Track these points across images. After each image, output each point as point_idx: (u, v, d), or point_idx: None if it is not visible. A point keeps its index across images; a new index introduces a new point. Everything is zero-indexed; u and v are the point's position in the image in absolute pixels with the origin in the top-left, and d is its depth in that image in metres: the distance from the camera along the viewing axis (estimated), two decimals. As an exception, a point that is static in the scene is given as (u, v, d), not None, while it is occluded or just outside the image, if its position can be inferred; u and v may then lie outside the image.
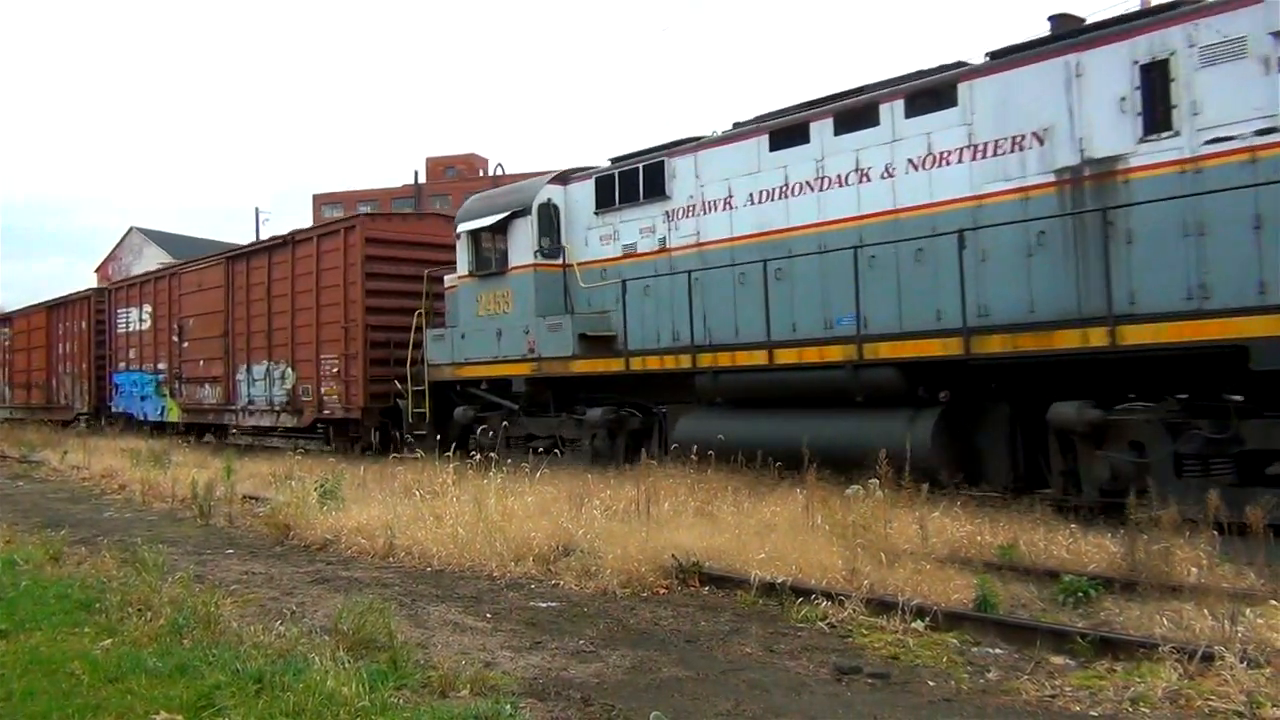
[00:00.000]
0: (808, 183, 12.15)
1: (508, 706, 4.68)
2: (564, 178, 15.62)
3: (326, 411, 19.47)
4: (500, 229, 15.73)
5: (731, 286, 12.87)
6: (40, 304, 35.94)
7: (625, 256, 14.41)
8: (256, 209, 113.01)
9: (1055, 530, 8.22)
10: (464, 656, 5.70)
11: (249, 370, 22.08)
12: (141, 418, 27.41)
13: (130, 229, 74.01)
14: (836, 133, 11.88)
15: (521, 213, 15.42)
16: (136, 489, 14.86)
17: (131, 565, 7.93)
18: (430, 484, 11.28)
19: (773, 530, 8.22)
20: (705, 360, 12.74)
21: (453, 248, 17.35)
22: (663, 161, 14.00)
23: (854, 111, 11.80)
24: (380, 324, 18.52)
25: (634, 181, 14.36)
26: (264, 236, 31.13)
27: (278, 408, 21.12)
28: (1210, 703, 4.62)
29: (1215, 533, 6.84)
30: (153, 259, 63.81)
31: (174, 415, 25.72)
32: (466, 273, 16.52)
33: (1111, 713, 4.66)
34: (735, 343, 12.60)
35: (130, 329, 28.21)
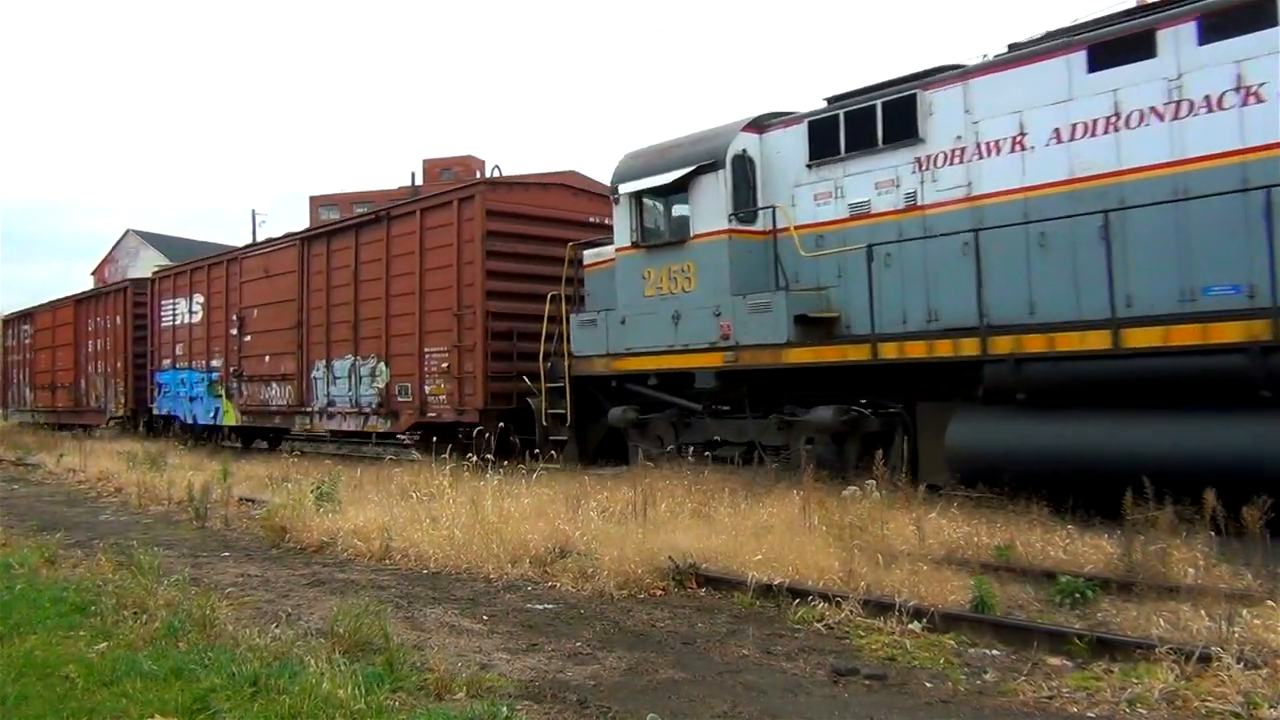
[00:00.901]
0: (1154, 110, 9.41)
1: (504, 709, 4.67)
2: (759, 125, 12.84)
3: (431, 415, 16.76)
4: (678, 188, 12.96)
5: (1024, 250, 10.16)
6: (66, 298, 33.03)
7: (853, 219, 11.72)
8: (253, 211, 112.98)
9: (1052, 531, 8.22)
10: (460, 659, 5.69)
11: (329, 366, 19.40)
12: (189, 421, 24.77)
13: (127, 231, 73.97)
14: (1205, 40, 9.10)
15: (709, 167, 12.61)
16: (133, 492, 14.82)
17: (127, 568, 7.90)
18: (427, 486, 11.27)
19: (770, 531, 8.21)
20: (1001, 345, 9.89)
21: (583, 224, 15.95)
22: (914, 95, 11.24)
23: (1235, 8, 8.91)
24: (503, 311, 15.98)
25: (866, 123, 11.63)
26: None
27: (366, 409, 18.43)
28: (1207, 703, 4.62)
29: (1212, 533, 6.84)
30: (149, 262, 63.78)
31: (230, 418, 22.93)
32: (629, 244, 13.67)
33: (1109, 713, 4.65)
34: (1053, 321, 9.78)
35: (177, 322, 25.39)
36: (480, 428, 15.68)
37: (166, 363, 25.98)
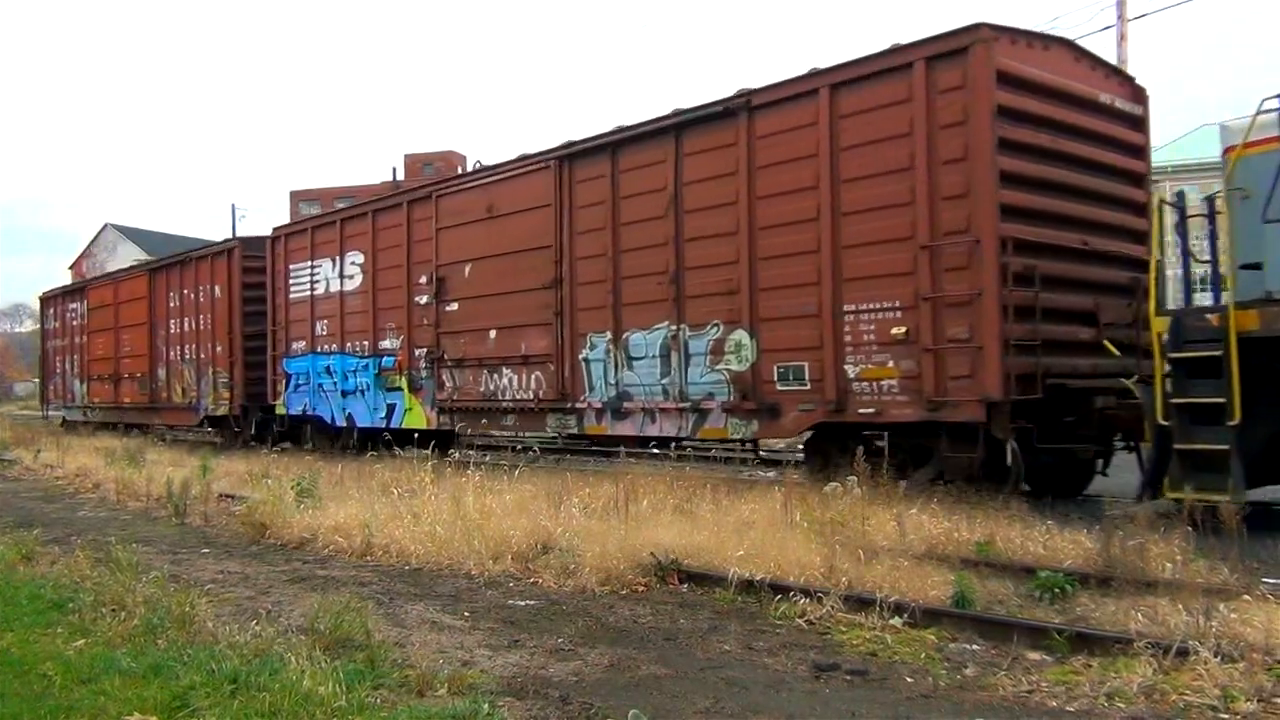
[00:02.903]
0: None
1: (486, 705, 4.66)
2: None
3: (864, 410, 10.75)
4: None
5: None
6: (138, 265, 27.93)
7: None
8: (233, 205, 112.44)
9: (1031, 526, 8.28)
10: (442, 655, 5.68)
11: (618, 342, 13.36)
12: (341, 423, 18.86)
13: (105, 225, 73.48)
14: None
15: None
16: (111, 488, 14.72)
17: (105, 565, 7.84)
18: (408, 482, 11.23)
19: (751, 528, 8.23)
20: None
21: (1094, 105, 11.23)
22: None
23: None
24: (1027, 238, 10.14)
25: None
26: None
27: (702, 404, 12.38)
28: (1185, 697, 4.65)
29: (1189, 529, 6.90)
30: (127, 256, 63.44)
31: (415, 419, 16.96)
32: None
33: (1087, 708, 4.68)
34: None
35: (318, 291, 19.26)
36: (986, 431, 9.93)
37: (299, 346, 19.84)
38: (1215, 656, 4.87)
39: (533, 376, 14.71)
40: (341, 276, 18.69)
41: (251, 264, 21.67)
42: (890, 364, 10.57)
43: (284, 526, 10.21)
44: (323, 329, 19.36)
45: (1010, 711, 4.70)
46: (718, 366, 12.20)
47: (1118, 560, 6.88)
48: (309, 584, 7.97)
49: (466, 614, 6.84)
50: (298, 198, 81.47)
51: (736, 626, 6.32)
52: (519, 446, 15.53)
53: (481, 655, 5.78)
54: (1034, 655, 5.44)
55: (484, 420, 15.92)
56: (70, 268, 79.13)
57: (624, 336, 13.34)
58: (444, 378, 16.29)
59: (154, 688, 4.99)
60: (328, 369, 19.12)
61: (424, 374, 16.76)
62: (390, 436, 17.88)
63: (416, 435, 16.91)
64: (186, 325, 23.65)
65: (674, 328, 12.68)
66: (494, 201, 15.35)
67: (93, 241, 75.39)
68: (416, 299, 16.85)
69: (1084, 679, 4.99)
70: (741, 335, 11.91)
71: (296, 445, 20.55)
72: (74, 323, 29.97)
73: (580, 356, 13.98)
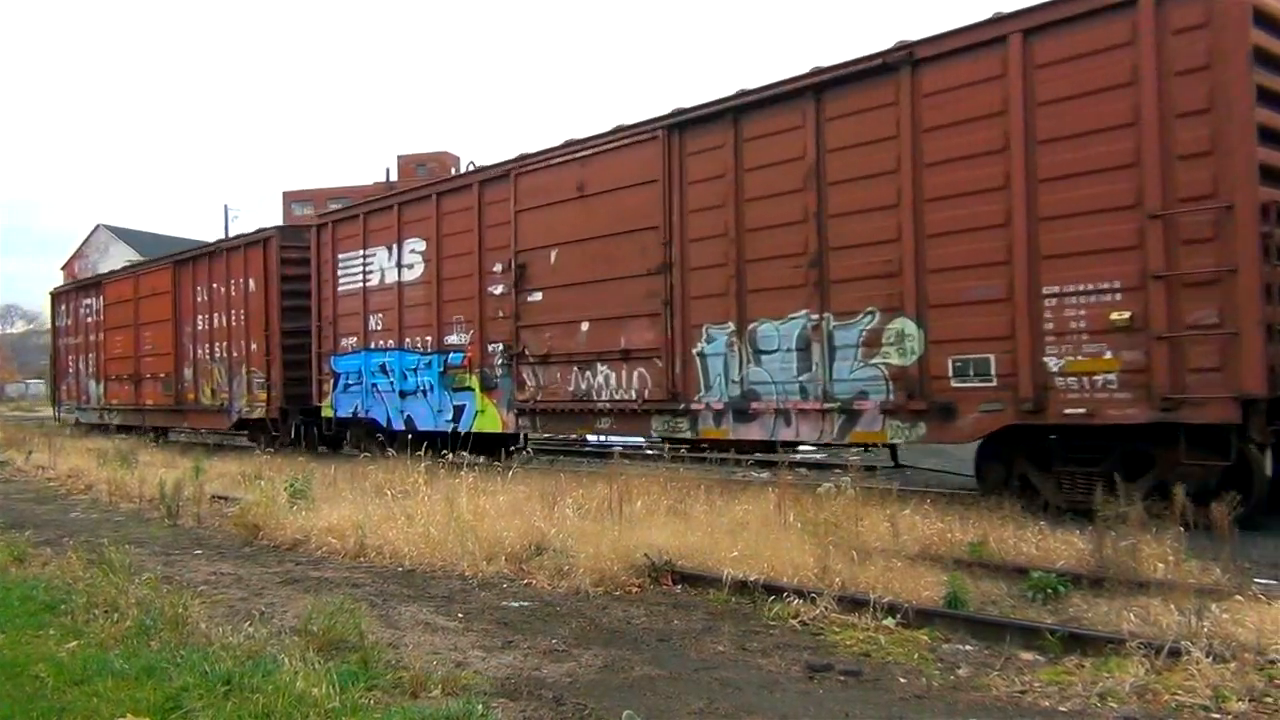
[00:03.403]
0: None
1: (479, 706, 4.66)
2: None
3: (1073, 411, 9.22)
4: None
5: None
6: (161, 259, 25.69)
7: None
8: (225, 206, 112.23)
9: (1024, 527, 8.30)
10: (435, 656, 5.67)
11: (742, 334, 11.79)
12: (399, 426, 16.96)
13: (97, 226, 73.27)
14: None
15: None
16: (103, 489, 14.68)
17: (98, 566, 7.82)
18: (402, 484, 11.22)
19: (745, 528, 8.24)
20: None
21: None
22: None
23: None
24: None
25: None
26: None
27: (852, 404, 10.77)
28: (1177, 697, 4.67)
29: (1181, 529, 6.92)
30: (119, 257, 63.28)
31: (490, 422, 15.21)
32: None
33: (1080, 708, 4.70)
34: None
35: (371, 283, 17.59)
36: (1236, 435, 8.56)
37: (349, 342, 18.16)
38: (1207, 656, 4.88)
39: (635, 374, 13.08)
40: (400, 266, 16.89)
41: (290, 254, 19.90)
42: (1108, 355, 9.05)
43: (277, 528, 10.19)
44: (377, 323, 17.54)
45: (1003, 712, 4.71)
46: (873, 360, 10.60)
47: (1110, 561, 6.90)
48: (302, 585, 7.96)
49: (460, 615, 6.84)
50: (290, 198, 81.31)
51: (730, 627, 6.33)
52: (610, 452, 14.15)
53: (475, 656, 5.78)
54: (1027, 655, 5.45)
55: (573, 423, 14.13)
56: (63, 268, 78.91)
57: (750, 328, 11.74)
58: (524, 376, 14.55)
59: (147, 689, 4.98)
60: (383, 367, 17.33)
61: (499, 372, 15.10)
62: (421, 440, 15.17)
63: (473, 440, 15.30)
64: (216, 321, 21.90)
65: (815, 317, 11.05)
66: (586, 179, 13.74)
67: (85, 242, 75.19)
68: (490, 289, 15.20)
69: (1077, 679, 5.00)
70: (904, 324, 10.32)
71: (345, 450, 18.81)
72: (88, 319, 28.05)
73: (694, 351, 12.39)
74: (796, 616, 6.39)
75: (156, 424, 25.27)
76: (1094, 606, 6.21)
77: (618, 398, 13.32)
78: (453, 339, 15.98)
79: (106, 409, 26.87)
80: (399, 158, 79.57)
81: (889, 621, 6.06)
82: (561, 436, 16.66)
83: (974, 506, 9.18)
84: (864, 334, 10.72)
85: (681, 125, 12.65)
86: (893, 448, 11.35)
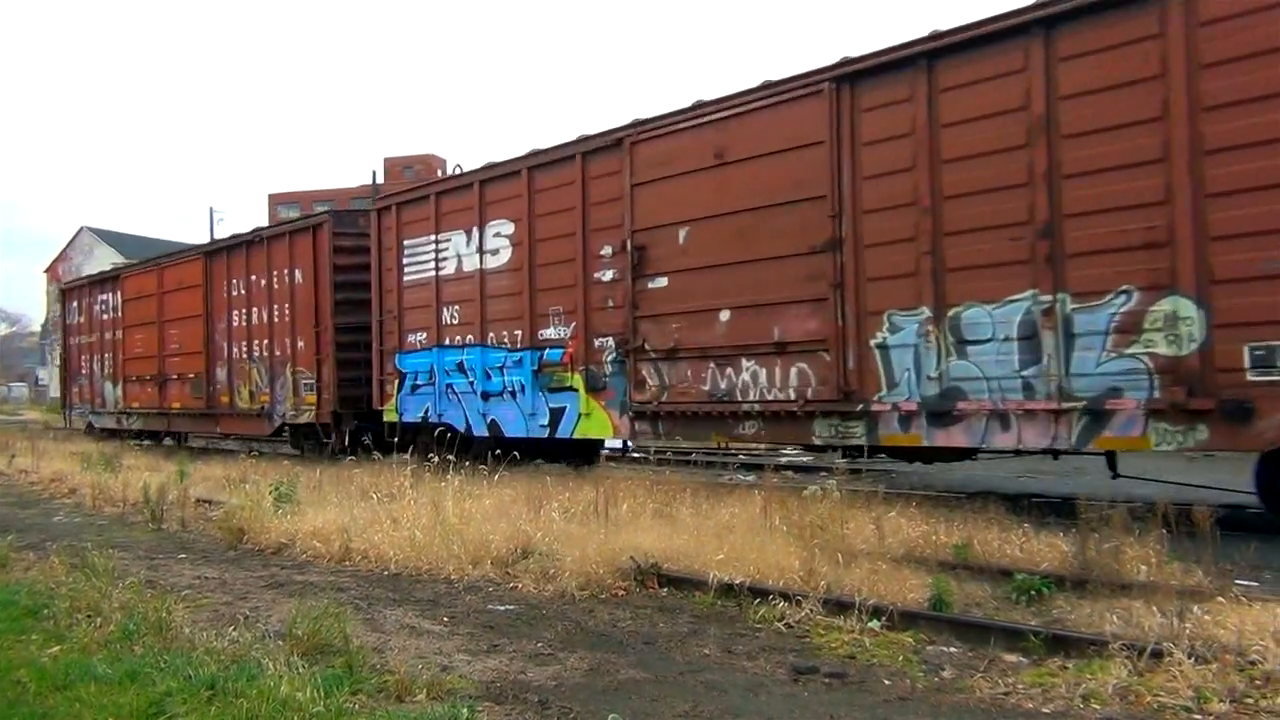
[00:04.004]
0: None
1: (465, 710, 4.66)
2: None
3: None
4: None
5: None
6: (189, 250, 23.58)
7: None
8: (211, 208, 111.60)
9: (1009, 529, 8.32)
10: (421, 660, 5.67)
11: (939, 321, 9.98)
12: (482, 431, 14.86)
13: (81, 229, 72.91)
14: None
15: None
16: (87, 493, 14.59)
17: (81, 570, 7.78)
18: (387, 487, 11.20)
19: (731, 531, 8.25)
20: None
21: None
22: None
23: None
24: None
25: None
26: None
27: (1103, 402, 8.93)
28: (1159, 698, 4.70)
29: (1164, 531, 6.96)
30: (104, 260, 62.93)
31: (598, 426, 13.33)
32: None
33: (1063, 709, 4.72)
34: None
35: (446, 271, 15.54)
36: None
37: (417, 338, 16.17)
38: (1189, 658, 4.92)
39: (793, 370, 11.11)
40: (481, 252, 14.89)
41: (344, 242, 18.00)
42: None
43: (262, 531, 10.16)
44: (452, 317, 15.56)
45: (987, 713, 4.73)
46: (1129, 350, 8.78)
47: (1093, 563, 6.94)
48: (287, 589, 7.94)
49: (445, 619, 6.83)
50: (276, 201, 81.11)
51: (716, 630, 6.34)
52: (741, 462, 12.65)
53: (460, 660, 5.77)
54: (1011, 657, 5.48)
55: (708, 428, 12.04)
56: (46, 271, 78.48)
57: (950, 313, 9.87)
58: (644, 373, 12.55)
59: (130, 694, 4.96)
60: (460, 365, 15.29)
61: (610, 369, 13.08)
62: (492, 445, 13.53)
63: (568, 447, 14.22)
64: (255, 317, 19.93)
65: (1045, 298, 9.22)
66: (725, 144, 11.75)
67: (69, 245, 74.80)
68: (597, 275, 13.21)
69: (1060, 681, 5.03)
70: (1178, 304, 8.53)
71: (400, 457, 15.85)
72: (104, 316, 26.00)
73: (872, 342, 10.50)
74: (782, 619, 6.40)
75: (183, 429, 23.51)
76: (1077, 608, 6.24)
77: (770, 398, 11.20)
78: (549, 333, 13.94)
79: (125, 413, 24.90)
80: (385, 160, 79.49)
81: (874, 624, 6.08)
82: (692, 443, 13.93)
83: (959, 509, 9.22)
84: (1116, 318, 8.87)
85: (853, 77, 10.71)
86: (1110, 456, 9.96)
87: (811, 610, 6.38)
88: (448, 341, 15.63)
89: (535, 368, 14.05)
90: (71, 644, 6.04)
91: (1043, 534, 8.07)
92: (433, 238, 15.89)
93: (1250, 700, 4.60)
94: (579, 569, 7.59)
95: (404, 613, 7.02)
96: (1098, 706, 4.70)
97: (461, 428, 15.22)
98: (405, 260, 16.44)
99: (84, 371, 27.86)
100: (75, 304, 28.75)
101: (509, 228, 14.61)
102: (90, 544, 9.40)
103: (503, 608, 7.14)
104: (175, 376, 22.77)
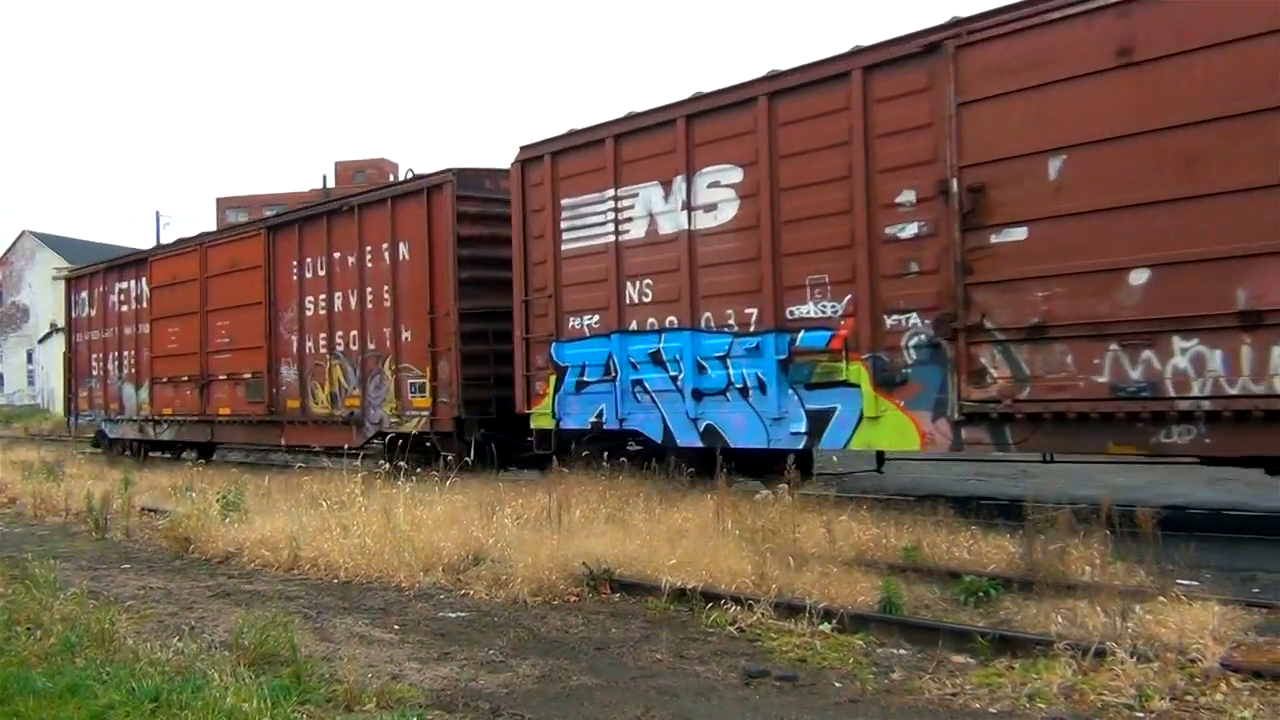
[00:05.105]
0: None
1: (415, 719, 4.63)
2: None
3: None
4: None
5: None
6: (246, 224, 20.74)
7: None
8: (157, 212, 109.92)
9: (957, 532, 8.43)
10: (370, 669, 5.61)
11: None
12: (693, 441, 11.52)
13: (23, 233, 71.24)
14: None
15: None
16: (28, 502, 14.28)
17: (21, 582, 7.62)
18: (338, 494, 11.08)
19: (684, 536, 8.26)
20: None
21: None
22: None
23: None
24: None
25: None
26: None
27: None
28: (1103, 697, 4.78)
29: (1108, 532, 7.09)
30: (46, 264, 61.64)
31: (895, 434, 9.94)
32: None
33: (1010, 709, 4.79)
34: None
35: (630, 236, 12.29)
36: None
37: (585, 322, 12.83)
38: (1131, 657, 5.01)
39: (1274, 352, 7.81)
40: (689, 209, 11.65)
41: (469, 208, 14.72)
42: None
43: (209, 540, 10.01)
44: (642, 293, 12.25)
45: (935, 714, 4.78)
46: None
47: (1039, 564, 7.04)
48: (234, 599, 7.83)
49: (396, 627, 6.77)
50: (224, 205, 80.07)
51: (668, 635, 6.35)
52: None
53: (411, 668, 5.73)
54: (959, 658, 5.55)
55: (1101, 437, 8.68)
56: (-15, 276, 76.70)
57: None
58: (983, 361, 9.31)
59: (71, 708, 4.87)
60: (655, 356, 12.03)
61: (914, 357, 9.83)
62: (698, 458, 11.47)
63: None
64: (339, 303, 16.56)
65: None
66: (1135, 35, 8.50)
67: (10, 249, 73.11)
68: (890, 231, 9.96)
69: (1006, 681, 5.10)
70: None
71: (551, 471, 12.47)
72: (122, 308, 22.53)
73: None
74: (734, 623, 6.43)
75: (233, 440, 20.06)
76: (1024, 609, 6.33)
77: (1232, 391, 7.96)
78: (804, 310, 10.62)
79: (153, 420, 21.10)
80: (337, 164, 78.82)
81: (825, 627, 6.13)
82: (1071, 456, 9.85)
83: (909, 512, 9.31)
84: None
85: None
86: None
87: (763, 614, 6.42)
88: (634, 325, 12.25)
89: (784, 356, 10.73)
90: (10, 657, 5.91)
91: (990, 536, 8.18)
92: (608, 194, 12.54)
93: (1190, 697, 4.69)
94: (531, 575, 7.56)
95: (354, 621, 6.95)
96: (1043, 706, 4.78)
97: (657, 436, 11.98)
98: (564, 224, 13.08)
99: (95, 372, 23.81)
100: (84, 294, 24.60)
101: (733, 175, 11.27)
102: (31, 554, 9.21)
103: (454, 615, 7.10)
104: (224, 377, 19.13)
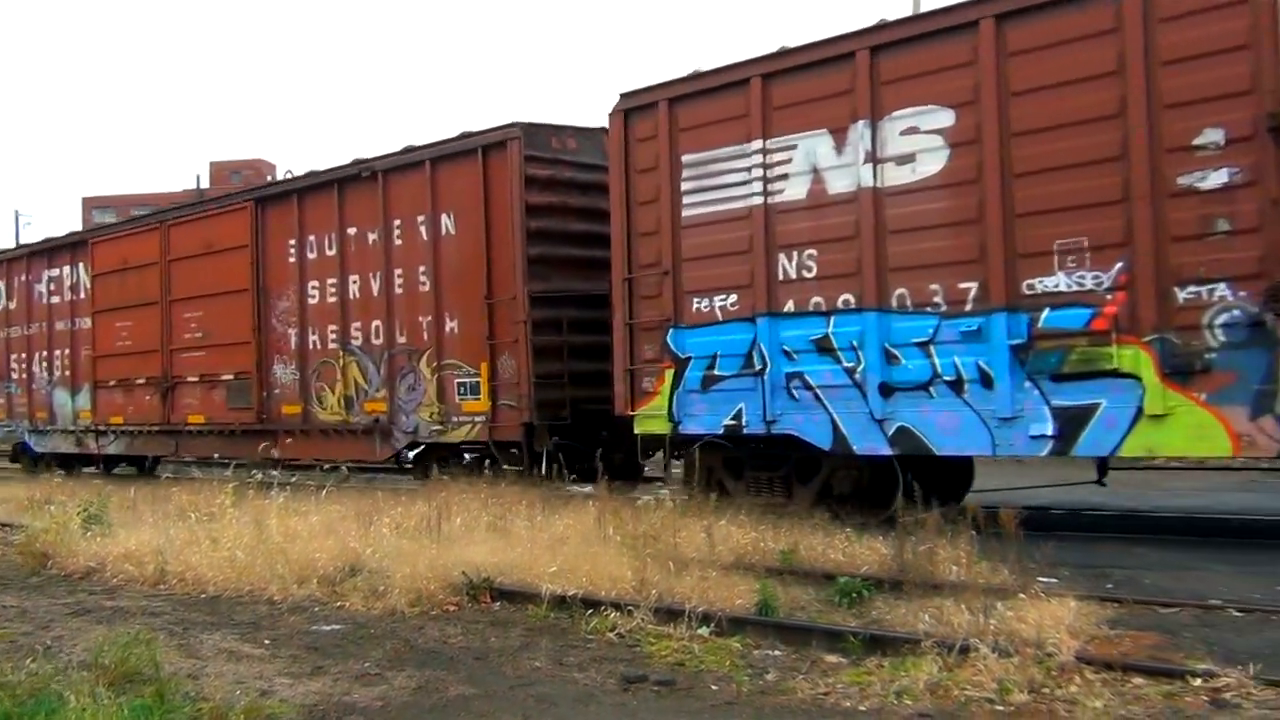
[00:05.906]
0: None
1: (284, 735, 4.51)
2: None
3: None
4: None
5: None
6: (229, 196, 17.97)
7: None
8: (16, 212, 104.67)
9: (833, 535, 8.62)
10: (239, 686, 5.45)
11: None
12: (878, 447, 9.56)
13: None
14: None
15: None
16: None
17: None
18: (207, 506, 10.72)
19: (565, 543, 8.26)
20: None
21: None
22: None
23: None
24: None
25: None
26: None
27: None
28: (966, 691, 4.96)
29: (973, 533, 7.35)
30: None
31: (1198, 438, 8.10)
32: None
33: (878, 705, 4.92)
34: None
35: (784, 196, 10.23)
36: None
37: (714, 304, 10.77)
38: (993, 652, 5.20)
39: None
40: (874, 161, 9.67)
41: (538, 170, 12.55)
42: None
43: (69, 556, 9.58)
44: (801, 267, 10.16)
45: (807, 713, 4.88)
46: None
47: (909, 565, 7.26)
48: (95, 616, 7.50)
49: (267, 641, 6.59)
50: (91, 204, 76.76)
51: (548, 643, 6.33)
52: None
53: (281, 684, 5.58)
54: (831, 658, 5.67)
55: None
56: None
57: None
58: None
59: (-91, 737, 4.59)
60: (822, 343, 10.00)
61: (1222, 339, 7.98)
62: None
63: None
64: (355, 289, 14.18)
65: None
66: None
67: None
68: (1184, 181, 8.14)
69: (876, 679, 5.24)
70: None
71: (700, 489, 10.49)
72: (53, 299, 19.38)
73: None
74: (614, 629, 6.44)
75: (207, 452, 16.83)
76: (894, 609, 6.51)
77: None
78: (1052, 282, 8.74)
79: (94, 431, 18.36)
80: (212, 164, 76.58)
81: (703, 630, 6.20)
82: None
83: (787, 516, 9.48)
84: None
85: None
86: None
87: (643, 619, 6.45)
88: (789, 306, 10.22)
89: (1018, 341, 8.85)
90: None
91: (864, 538, 8.40)
92: (753, 146, 10.43)
93: (1047, 690, 4.90)
94: (410, 585, 7.45)
95: (222, 636, 6.73)
96: (910, 702, 4.92)
97: (823, 441, 9.98)
98: (686, 185, 10.94)
99: (15, 376, 20.63)
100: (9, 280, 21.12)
101: (940, 118, 9.37)
102: None
103: (329, 628, 6.94)
104: (195, 379, 16.41)
